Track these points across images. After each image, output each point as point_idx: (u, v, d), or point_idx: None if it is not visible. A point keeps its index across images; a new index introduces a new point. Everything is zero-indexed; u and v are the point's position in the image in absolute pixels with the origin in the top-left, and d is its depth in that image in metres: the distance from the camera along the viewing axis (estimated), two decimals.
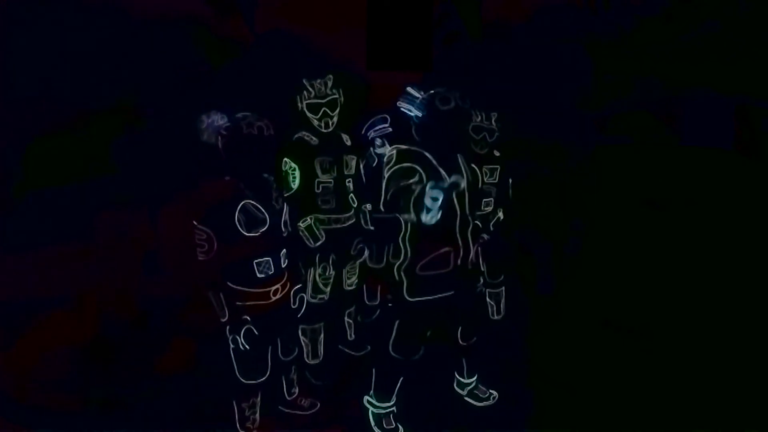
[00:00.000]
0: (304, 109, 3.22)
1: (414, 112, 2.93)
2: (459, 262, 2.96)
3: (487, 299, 3.53)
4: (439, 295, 2.94)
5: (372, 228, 3.38)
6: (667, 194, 4.85)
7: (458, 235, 2.94)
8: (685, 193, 4.80)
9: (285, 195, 3.01)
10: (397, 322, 3.07)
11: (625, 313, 4.13)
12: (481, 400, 3.41)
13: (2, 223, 4.03)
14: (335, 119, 3.24)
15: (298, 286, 3.17)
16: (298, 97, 3.24)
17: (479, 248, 3.06)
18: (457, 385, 3.47)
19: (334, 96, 3.23)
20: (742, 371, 3.51)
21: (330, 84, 3.22)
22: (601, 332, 4.00)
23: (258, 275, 2.77)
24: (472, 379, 3.45)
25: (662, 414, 3.25)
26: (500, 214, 3.26)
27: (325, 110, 3.20)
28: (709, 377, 3.46)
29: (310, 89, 3.21)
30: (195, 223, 2.69)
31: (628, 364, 3.64)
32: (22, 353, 3.61)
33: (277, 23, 4.68)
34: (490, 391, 3.42)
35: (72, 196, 4.15)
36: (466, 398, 3.43)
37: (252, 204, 2.72)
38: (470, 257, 3.00)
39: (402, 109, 3.00)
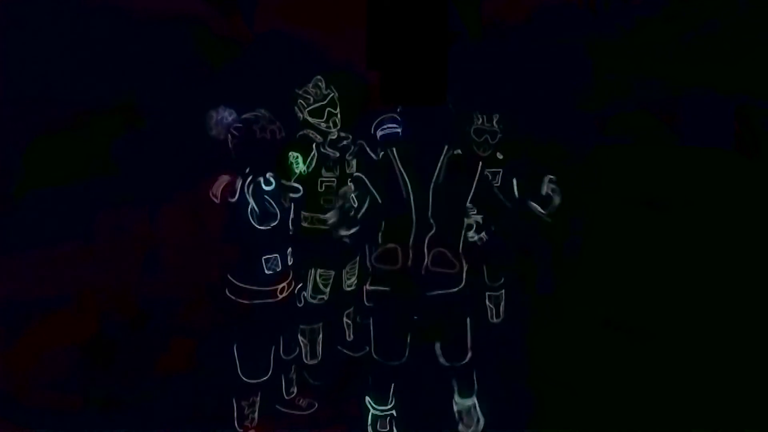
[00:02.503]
0: (307, 117, 3.23)
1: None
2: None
3: (487, 302, 3.52)
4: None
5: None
6: (667, 194, 4.84)
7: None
8: (685, 193, 4.80)
9: (292, 179, 2.99)
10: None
11: (625, 313, 4.13)
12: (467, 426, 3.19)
13: (2, 223, 4.03)
14: (339, 116, 3.25)
15: (300, 285, 3.18)
16: (296, 108, 3.24)
17: (478, 251, 3.04)
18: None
19: (332, 94, 3.24)
20: (742, 371, 3.51)
21: (323, 85, 3.23)
22: (601, 332, 3.99)
23: (266, 272, 2.78)
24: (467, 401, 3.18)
25: (662, 414, 3.25)
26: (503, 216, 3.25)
27: (329, 110, 3.21)
28: (709, 377, 3.46)
29: (308, 96, 3.21)
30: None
31: (628, 364, 3.63)
32: (22, 353, 3.61)
33: (276, 23, 4.69)
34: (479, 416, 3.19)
35: (72, 196, 4.15)
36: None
37: (266, 198, 2.74)
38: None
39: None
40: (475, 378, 3.13)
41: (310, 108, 3.22)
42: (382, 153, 3.01)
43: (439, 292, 2.90)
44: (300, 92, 3.24)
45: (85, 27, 4.19)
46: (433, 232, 2.84)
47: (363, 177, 2.93)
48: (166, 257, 4.19)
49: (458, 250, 2.90)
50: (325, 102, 3.21)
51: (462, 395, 3.14)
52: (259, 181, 2.74)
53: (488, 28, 5.06)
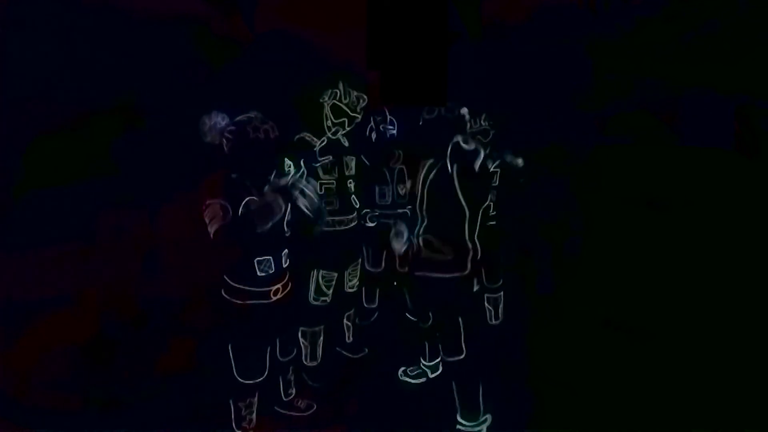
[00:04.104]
0: (327, 107, 3.24)
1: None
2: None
3: (486, 304, 3.52)
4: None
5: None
6: (667, 194, 4.85)
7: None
8: (685, 193, 4.80)
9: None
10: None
11: (625, 313, 4.13)
12: None
13: (2, 223, 4.03)
14: (343, 132, 3.29)
15: (299, 287, 3.17)
16: (329, 91, 3.27)
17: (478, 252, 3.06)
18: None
19: (357, 116, 3.29)
20: (742, 371, 3.51)
21: (362, 104, 3.29)
22: (601, 332, 3.99)
23: (258, 273, 2.78)
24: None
25: (662, 414, 3.25)
26: (501, 219, 3.25)
27: (344, 120, 3.26)
28: (709, 377, 3.46)
29: (345, 96, 3.24)
30: (207, 202, 2.67)
31: (628, 364, 3.63)
32: (22, 353, 3.61)
33: (276, 23, 4.69)
34: None
35: (72, 196, 4.15)
36: None
37: (256, 200, 2.73)
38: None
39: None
40: (480, 399, 3.10)
41: (336, 102, 3.24)
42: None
43: (427, 274, 3.05)
44: (343, 85, 3.27)
45: (85, 27, 4.18)
46: (425, 223, 3.03)
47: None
48: (166, 257, 4.19)
49: (448, 240, 2.99)
50: (350, 114, 3.26)
51: (465, 416, 3.10)
52: (248, 186, 2.73)
53: (488, 28, 5.06)
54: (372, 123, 3.63)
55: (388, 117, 3.65)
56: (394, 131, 3.64)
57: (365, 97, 3.31)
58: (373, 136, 3.64)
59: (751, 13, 4.91)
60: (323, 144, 3.30)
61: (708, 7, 4.98)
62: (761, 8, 4.87)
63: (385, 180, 3.64)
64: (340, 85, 3.26)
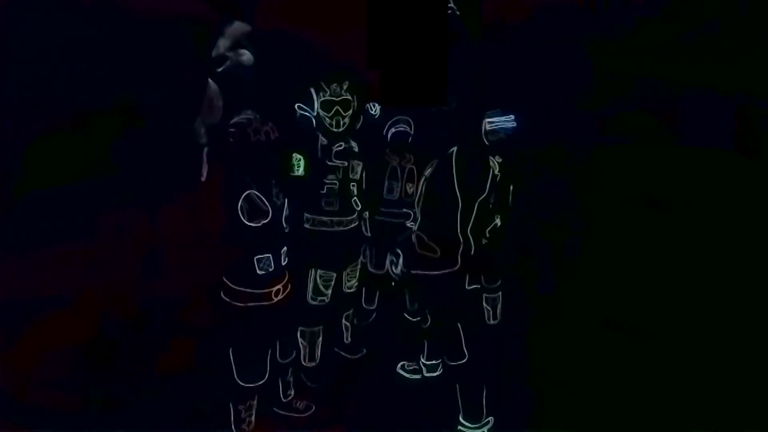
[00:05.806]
0: (318, 105, 3.26)
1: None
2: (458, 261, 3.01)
3: (484, 304, 3.52)
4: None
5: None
6: (667, 194, 4.84)
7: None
8: (685, 193, 4.80)
9: (291, 176, 3.01)
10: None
11: (625, 313, 4.13)
12: None
13: (2, 223, 4.03)
14: (347, 120, 3.27)
15: (298, 286, 3.17)
16: (315, 95, 3.28)
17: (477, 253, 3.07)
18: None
19: (348, 97, 3.27)
20: (742, 371, 3.51)
21: (345, 87, 3.26)
22: (601, 332, 4.00)
23: (258, 272, 2.77)
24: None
25: (662, 414, 3.25)
26: (497, 221, 3.25)
27: (337, 109, 3.24)
28: (709, 377, 3.46)
29: (326, 89, 3.24)
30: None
31: (628, 364, 3.64)
32: (22, 353, 3.61)
33: (276, 23, 4.68)
34: None
35: (72, 196, 4.15)
36: None
37: (256, 194, 2.73)
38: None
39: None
40: (484, 401, 3.14)
41: (323, 99, 3.24)
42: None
43: (421, 272, 3.16)
44: (323, 83, 3.28)
45: (85, 27, 4.18)
46: (419, 221, 3.14)
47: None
48: (166, 257, 4.19)
49: (439, 236, 3.06)
50: (338, 100, 3.24)
51: (467, 419, 3.14)
52: (247, 181, 2.74)
53: (488, 28, 5.06)
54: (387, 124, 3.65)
55: (404, 117, 3.65)
56: (411, 131, 3.64)
57: (347, 81, 3.30)
58: (390, 132, 3.65)
59: (751, 13, 4.91)
60: (339, 148, 3.31)
61: (708, 7, 4.98)
62: (761, 8, 4.87)
63: (396, 176, 3.64)
64: (322, 84, 3.28)
